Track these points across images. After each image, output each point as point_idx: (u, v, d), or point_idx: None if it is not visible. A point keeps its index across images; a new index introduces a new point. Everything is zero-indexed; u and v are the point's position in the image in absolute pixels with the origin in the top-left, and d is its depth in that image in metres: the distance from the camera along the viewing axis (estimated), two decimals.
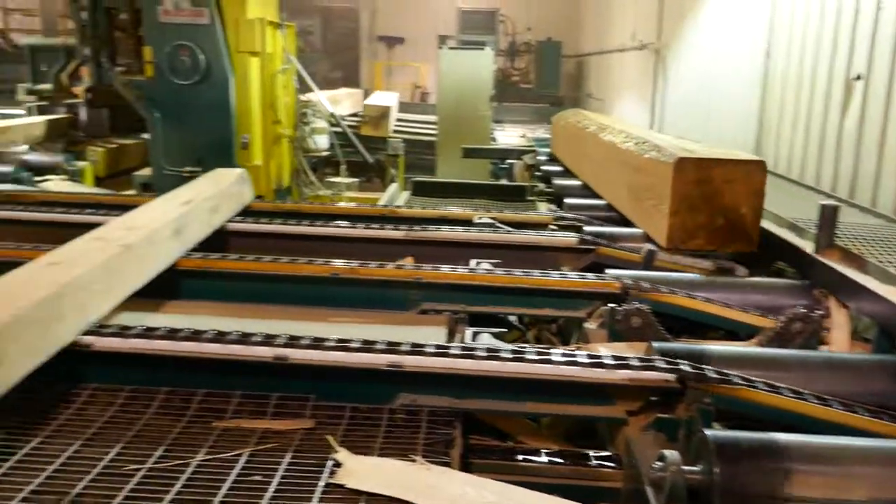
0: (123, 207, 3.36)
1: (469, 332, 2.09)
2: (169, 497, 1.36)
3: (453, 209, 3.49)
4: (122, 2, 5.48)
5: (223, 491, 1.38)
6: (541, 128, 8.41)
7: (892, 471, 1.35)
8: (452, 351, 1.74)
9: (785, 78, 5.37)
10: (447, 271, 2.45)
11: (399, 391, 1.71)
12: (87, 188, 5.12)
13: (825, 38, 4.74)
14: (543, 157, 5.20)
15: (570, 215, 3.40)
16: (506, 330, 2.13)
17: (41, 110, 6.71)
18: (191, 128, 5.60)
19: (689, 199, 2.60)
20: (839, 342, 2.17)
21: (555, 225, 3.22)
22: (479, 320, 2.39)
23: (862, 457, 1.38)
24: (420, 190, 4.70)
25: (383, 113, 8.37)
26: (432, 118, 9.78)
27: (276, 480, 1.42)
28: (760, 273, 2.72)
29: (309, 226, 3.05)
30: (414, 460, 1.47)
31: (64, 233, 3.04)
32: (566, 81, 16.69)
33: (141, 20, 5.49)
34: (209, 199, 2.93)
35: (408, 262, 2.65)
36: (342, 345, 1.75)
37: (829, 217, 2.54)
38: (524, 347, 1.92)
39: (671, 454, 1.34)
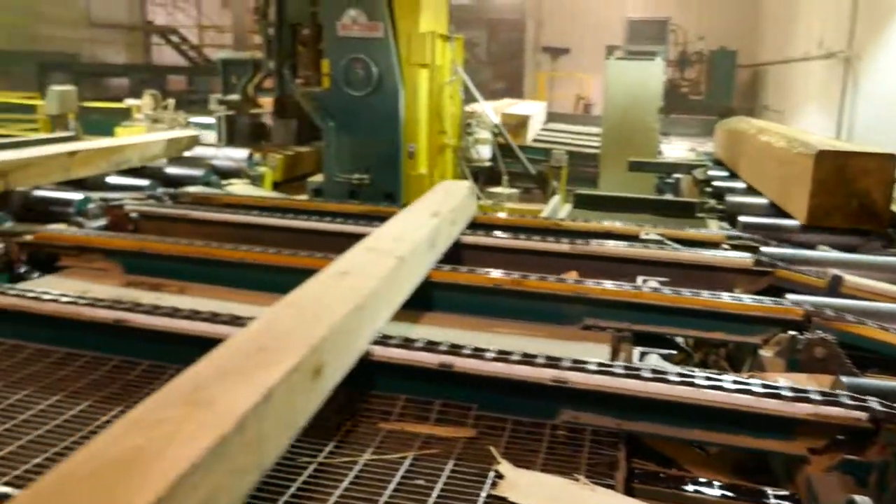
0: (305, 212, 3.58)
1: (636, 351, 2.03)
2: (337, 493, 1.41)
3: (618, 224, 3.40)
4: (306, 18, 5.81)
5: (388, 492, 1.41)
6: (710, 141, 8.06)
7: None
8: (616, 370, 1.69)
9: None
10: (612, 287, 2.39)
11: (562, 407, 1.68)
12: (266, 192, 5.45)
13: None
14: (716, 173, 4.97)
15: (745, 235, 3.22)
16: (675, 352, 2.04)
17: (228, 119, 7.26)
18: (361, 137, 5.83)
19: (827, 185, 3.24)
20: None
21: (728, 244, 3.06)
22: (643, 339, 2.32)
23: None
24: (583, 203, 4.64)
25: (521, 122, 8.36)
26: (595, 130, 9.63)
27: (438, 486, 1.43)
28: None
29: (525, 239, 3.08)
30: (577, 479, 1.44)
31: (250, 233, 3.29)
32: (740, 92, 15.90)
33: (321, 35, 5.79)
34: (452, 212, 2.95)
35: (572, 276, 2.62)
36: (503, 356, 1.75)
37: None
38: (692, 371, 1.83)
39: (863, 500, 1.23)
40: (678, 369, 1.84)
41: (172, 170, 4.72)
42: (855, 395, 1.56)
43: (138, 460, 0.99)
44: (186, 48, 24.60)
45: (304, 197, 5.68)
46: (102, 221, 3.45)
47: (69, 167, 3.95)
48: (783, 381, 1.77)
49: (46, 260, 2.99)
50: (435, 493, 1.41)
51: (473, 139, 6.66)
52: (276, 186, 6.02)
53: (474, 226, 3.38)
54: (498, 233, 3.16)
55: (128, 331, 1.97)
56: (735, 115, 8.49)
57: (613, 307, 2.33)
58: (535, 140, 9.21)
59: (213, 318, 1.97)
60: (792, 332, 2.01)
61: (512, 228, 3.32)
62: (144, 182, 4.29)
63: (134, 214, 3.55)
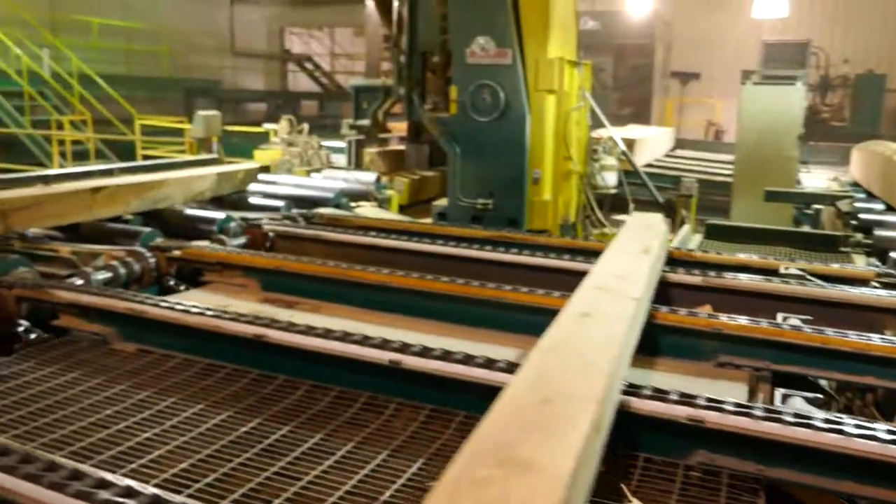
0: (431, 236, 3.64)
1: (779, 393, 1.92)
2: None
3: (754, 256, 3.25)
4: (436, 46, 5.94)
5: None
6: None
7: None
8: (756, 411, 1.60)
9: None
10: (749, 323, 2.27)
11: (697, 448, 1.61)
12: (393, 215, 5.57)
13: None
14: (864, 205, 4.67)
15: None
16: (821, 396, 1.92)
17: (358, 143, 7.50)
18: (486, 162, 5.87)
19: None
20: None
21: (878, 282, 2.86)
22: (782, 380, 2.19)
23: None
24: (714, 233, 4.47)
25: (628, 144, 8.11)
26: (727, 157, 9.29)
27: None
28: None
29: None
30: None
31: (379, 255, 3.37)
32: (888, 119, 14.92)
33: (450, 62, 5.90)
34: (661, 248, 2.89)
35: (705, 309, 2.52)
36: (633, 390, 1.70)
37: None
38: (840, 417, 1.71)
39: None
40: (824, 414, 1.72)
41: (308, 192, 4.92)
42: None
43: None
44: (319, 75, 25.72)
45: (428, 220, 5.78)
46: (242, 240, 3.63)
47: (91, 205, 3.59)
48: None
49: (191, 274, 3.18)
50: None
51: (599, 165, 6.57)
52: (403, 209, 6.16)
53: (583, 252, 3.31)
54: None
55: (266, 346, 2.06)
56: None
57: (751, 344, 2.22)
58: (662, 167, 8.99)
59: (345, 337, 2.03)
60: None
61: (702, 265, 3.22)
62: (280, 203, 4.49)
63: (271, 234, 3.72)
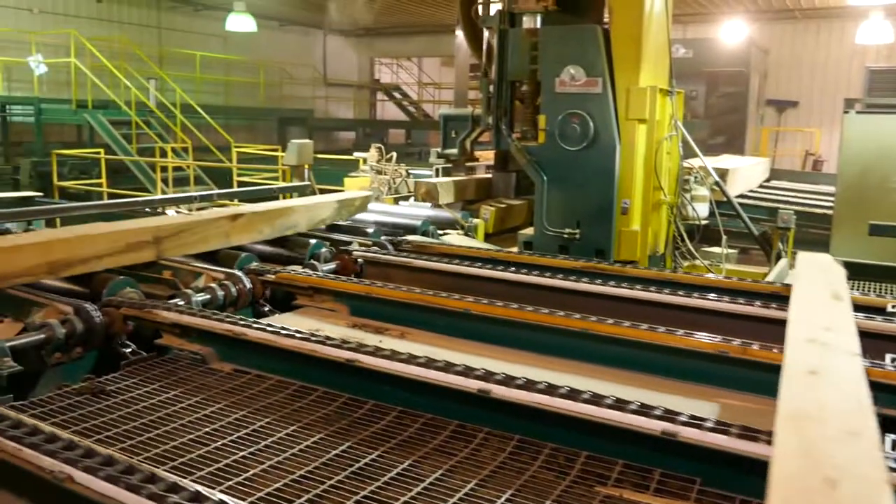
0: (517, 265, 3.63)
1: (889, 439, 1.82)
2: None
3: (857, 293, 3.10)
4: (525, 75, 5.96)
5: None
6: None
7: None
8: None
9: None
10: None
11: None
12: (479, 243, 5.60)
13: None
14: None
15: None
16: None
17: (445, 171, 7.58)
18: (574, 191, 5.83)
19: None
20: None
21: None
22: (891, 426, 2.07)
23: None
24: None
25: (721, 175, 7.84)
26: (827, 189, 8.92)
27: None
28: None
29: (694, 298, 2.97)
30: None
31: (465, 283, 3.39)
32: None
33: (539, 91, 5.91)
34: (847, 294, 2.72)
35: None
36: (725, 427, 1.64)
37: None
38: None
39: None
40: None
41: (394, 219, 5.00)
42: None
43: None
44: (407, 104, 26.23)
45: (514, 249, 5.77)
46: (332, 265, 3.71)
47: (229, 232, 3.69)
48: None
49: (283, 298, 3.28)
50: None
51: (690, 196, 6.42)
52: (489, 238, 6.17)
53: (671, 284, 3.24)
54: (711, 295, 3.00)
55: (358, 370, 2.09)
56: None
57: None
58: (756, 197, 8.71)
59: (435, 364, 2.04)
60: None
61: (729, 291, 3.14)
62: (370, 230, 4.57)
63: (360, 260, 3.80)
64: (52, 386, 2.16)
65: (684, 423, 1.67)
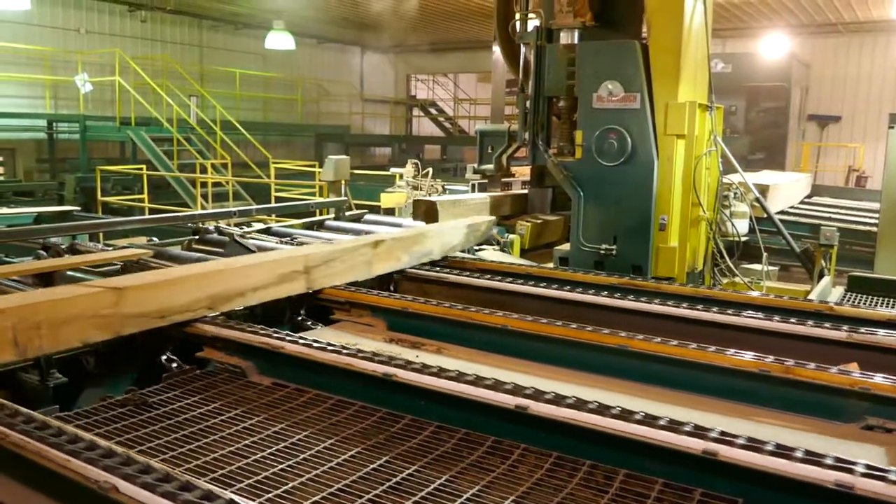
0: (554, 281, 3.62)
1: None
2: None
3: None
4: (562, 91, 5.95)
5: None
6: None
7: None
8: None
9: None
10: None
11: None
12: (514, 259, 5.59)
13: None
14: None
15: None
16: None
17: (481, 187, 7.60)
18: (610, 207, 5.79)
19: None
20: None
21: None
22: None
23: None
24: (858, 286, 4.21)
25: (761, 190, 7.71)
26: (871, 205, 8.75)
27: None
28: None
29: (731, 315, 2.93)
30: None
31: (500, 299, 3.38)
32: None
33: (576, 107, 5.89)
34: None
35: (852, 367, 2.36)
36: (780, 451, 1.61)
37: None
38: None
39: None
40: None
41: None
42: None
43: None
44: (443, 119, 26.37)
45: (550, 265, 5.75)
46: None
47: (371, 260, 3.56)
48: None
49: (320, 312, 3.30)
50: None
51: (730, 212, 6.33)
52: (524, 253, 6.15)
53: (710, 301, 3.19)
54: (752, 313, 2.96)
55: (395, 385, 2.10)
56: None
57: None
58: (798, 214, 8.57)
59: (472, 379, 2.04)
60: None
61: (772, 309, 3.09)
62: None
63: (396, 275, 3.81)
64: (96, 398, 2.20)
65: (725, 442, 1.65)
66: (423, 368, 2.14)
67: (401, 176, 9.61)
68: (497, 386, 1.99)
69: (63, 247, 4.09)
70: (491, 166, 7.17)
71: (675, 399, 2.30)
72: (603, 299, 3.27)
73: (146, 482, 1.44)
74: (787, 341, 2.74)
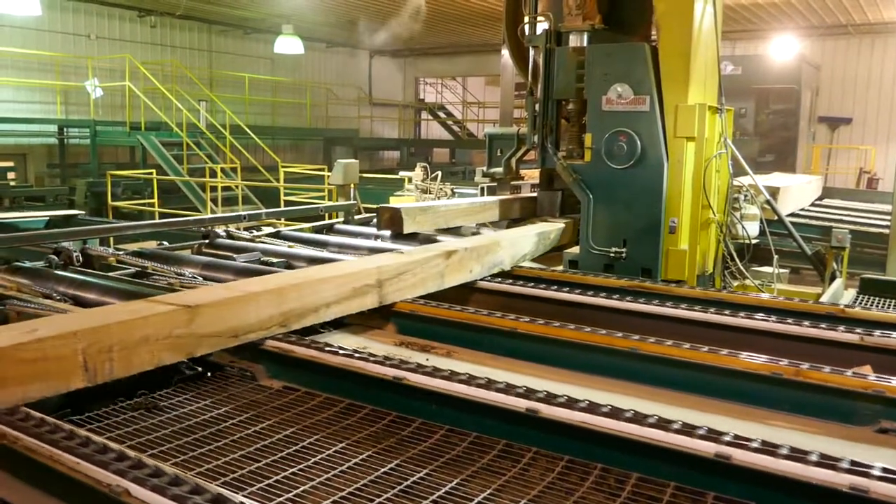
0: (565, 284, 3.61)
1: None
2: None
3: None
4: (572, 94, 5.94)
5: None
6: None
7: None
8: None
9: None
10: None
11: None
12: (524, 262, 5.57)
13: None
14: None
15: None
16: None
17: (490, 190, 7.59)
18: (620, 210, 5.77)
19: None
20: None
21: None
22: None
23: None
24: (870, 288, 4.18)
25: (772, 193, 7.66)
26: (882, 207, 8.69)
27: None
28: None
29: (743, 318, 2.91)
30: None
31: (511, 302, 3.37)
32: None
33: (585, 110, 5.88)
34: None
35: (865, 370, 2.35)
36: (794, 454, 1.60)
37: None
38: None
39: None
40: None
41: (440, 237, 5.01)
42: None
43: None
44: (451, 123, 26.39)
45: (560, 268, 5.73)
46: None
47: (444, 272, 3.41)
48: None
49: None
50: None
51: (740, 214, 6.30)
52: (534, 257, 6.13)
53: (729, 305, 3.18)
54: (763, 316, 2.94)
55: (406, 388, 2.10)
56: None
57: None
58: (809, 216, 8.52)
59: (482, 383, 2.04)
60: None
61: (784, 312, 3.08)
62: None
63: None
64: (107, 401, 2.21)
65: (738, 446, 1.64)
66: (434, 372, 2.13)
67: (409, 179, 9.61)
68: (508, 389, 1.99)
69: (74, 251, 4.10)
70: (500, 169, 7.17)
71: (687, 402, 2.29)
72: (613, 302, 3.26)
73: (158, 485, 1.45)
74: (798, 344, 2.73)
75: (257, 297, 2.47)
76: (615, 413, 1.83)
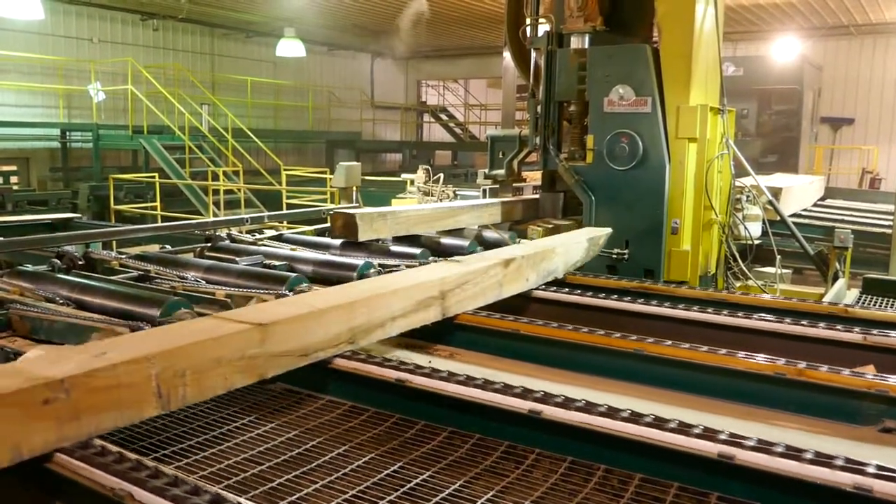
0: (554, 283, 3.60)
1: None
2: None
3: None
4: (573, 95, 5.94)
5: None
6: None
7: None
8: None
9: None
10: None
11: None
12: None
13: None
14: None
15: None
16: None
17: (492, 192, 7.59)
18: (622, 211, 5.77)
19: None
20: None
21: None
22: None
23: None
24: (873, 288, 4.18)
25: (774, 193, 7.65)
26: (885, 207, 8.69)
27: None
28: None
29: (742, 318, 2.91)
30: None
31: (513, 303, 3.37)
32: None
33: (587, 111, 5.88)
34: None
35: (868, 370, 2.34)
36: (793, 453, 1.60)
37: None
38: None
39: None
40: None
41: (444, 240, 5.02)
42: None
43: None
44: (453, 125, 26.40)
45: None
46: None
47: (501, 282, 3.24)
48: None
49: None
50: None
51: (743, 215, 6.30)
52: None
53: (723, 304, 3.18)
54: (766, 316, 2.94)
55: (408, 390, 2.09)
56: None
57: None
58: (811, 216, 8.52)
59: (485, 384, 2.04)
60: None
61: (787, 312, 3.08)
62: (417, 250, 4.59)
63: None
64: None
65: (741, 446, 1.63)
66: (436, 373, 2.13)
67: (412, 182, 9.61)
68: (510, 390, 1.98)
69: (77, 255, 4.11)
70: (502, 171, 7.17)
71: (689, 402, 2.29)
72: (616, 303, 3.25)
73: (157, 487, 1.45)
74: (801, 344, 2.73)
75: (328, 312, 2.31)
76: (617, 414, 1.83)
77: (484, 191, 7.66)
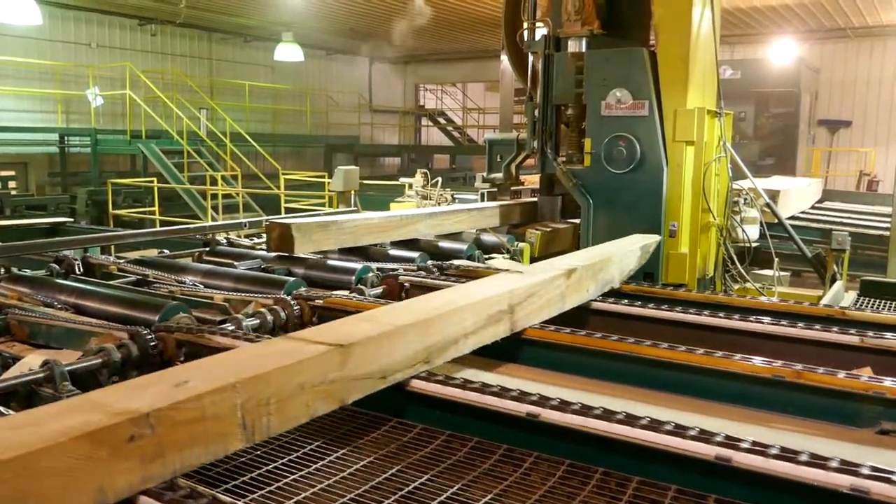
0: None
1: None
2: None
3: None
4: (571, 99, 5.96)
5: None
6: None
7: None
8: None
9: None
10: None
11: None
12: (524, 267, 5.57)
13: None
14: None
15: None
16: None
17: (490, 196, 7.61)
18: (620, 214, 5.79)
19: None
20: None
21: None
22: None
23: None
24: (870, 290, 4.18)
25: (772, 196, 7.67)
26: (883, 209, 8.70)
27: None
28: None
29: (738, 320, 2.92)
30: None
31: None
32: None
33: (585, 115, 5.90)
34: None
35: (865, 372, 2.35)
36: (789, 455, 1.60)
37: None
38: None
39: None
40: None
41: (442, 243, 5.02)
42: None
43: None
44: (451, 129, 26.45)
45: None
46: (379, 290, 3.73)
47: (564, 293, 3.07)
48: None
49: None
50: None
51: (740, 218, 6.32)
52: (535, 261, 6.14)
53: (719, 307, 3.18)
54: (767, 319, 2.94)
55: (406, 394, 2.10)
56: None
57: None
58: (809, 219, 8.53)
59: (484, 388, 2.04)
60: None
61: (784, 314, 3.08)
62: (415, 254, 4.60)
63: (406, 284, 3.81)
64: None
65: (739, 448, 1.64)
66: (433, 377, 2.13)
67: (410, 186, 9.63)
68: (508, 393, 1.99)
69: (75, 260, 4.11)
70: (500, 175, 7.19)
71: (687, 405, 2.29)
72: (614, 307, 3.26)
73: (153, 491, 1.45)
74: (799, 346, 2.73)
75: (404, 331, 2.16)
76: (614, 417, 1.83)
77: (482, 194, 7.68)
